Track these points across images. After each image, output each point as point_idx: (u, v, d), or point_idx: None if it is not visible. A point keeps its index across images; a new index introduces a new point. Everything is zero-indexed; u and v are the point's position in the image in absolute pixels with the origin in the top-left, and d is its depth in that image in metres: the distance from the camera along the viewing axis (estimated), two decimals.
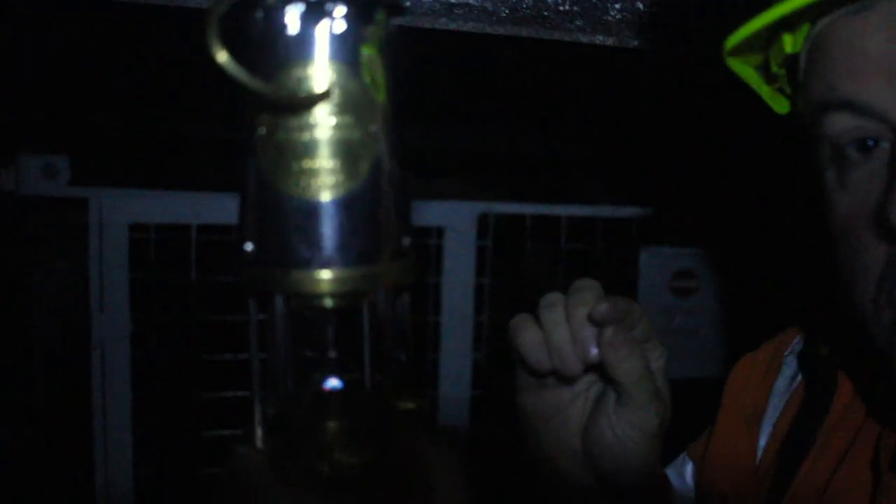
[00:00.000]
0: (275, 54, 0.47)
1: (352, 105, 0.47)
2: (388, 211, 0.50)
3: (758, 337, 1.10)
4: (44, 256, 2.11)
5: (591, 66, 1.28)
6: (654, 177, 2.28)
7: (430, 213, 2.21)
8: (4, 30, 1.33)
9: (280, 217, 0.48)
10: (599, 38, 0.95)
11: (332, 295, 0.49)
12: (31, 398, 2.13)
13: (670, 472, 1.10)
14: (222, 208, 2.07)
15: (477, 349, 2.33)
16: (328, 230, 0.48)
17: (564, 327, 0.85)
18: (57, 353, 2.14)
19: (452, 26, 0.93)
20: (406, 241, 0.51)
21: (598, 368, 0.87)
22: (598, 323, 0.83)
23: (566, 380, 0.89)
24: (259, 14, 0.47)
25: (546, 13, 0.93)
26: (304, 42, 0.47)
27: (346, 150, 0.48)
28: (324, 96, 0.46)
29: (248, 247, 0.50)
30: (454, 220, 2.26)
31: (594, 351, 0.83)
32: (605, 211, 2.30)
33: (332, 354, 0.53)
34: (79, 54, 1.46)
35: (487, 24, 0.94)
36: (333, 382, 0.53)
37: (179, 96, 1.81)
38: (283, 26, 0.46)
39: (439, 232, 2.26)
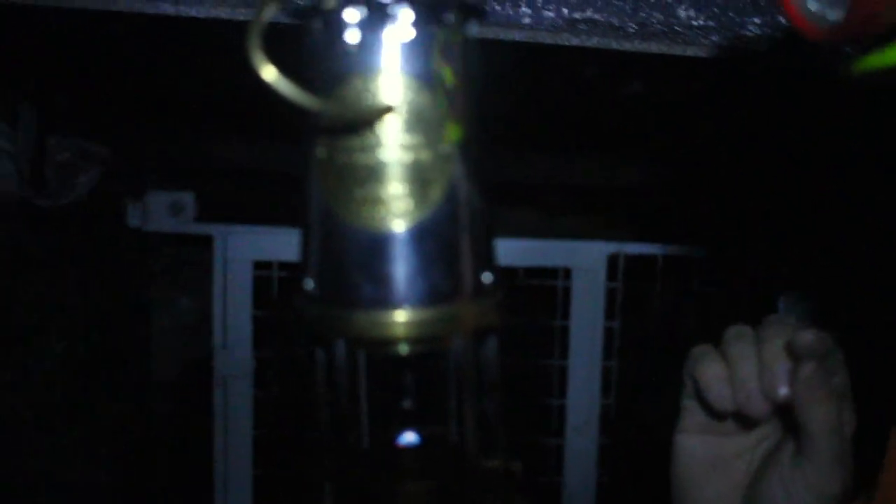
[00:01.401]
0: (332, 67, 0.41)
1: (421, 122, 0.41)
2: (465, 243, 0.43)
3: None
4: (166, 292, 2.12)
5: (728, 86, 1.20)
6: (801, 216, 2.16)
7: (556, 252, 2.14)
8: (138, 66, 1.33)
9: (342, 250, 0.42)
10: (737, 55, 0.87)
11: (401, 340, 0.43)
12: (151, 434, 2.13)
13: None
14: None
15: (605, 395, 2.24)
16: (395, 265, 0.41)
17: (753, 362, 0.74)
18: (177, 390, 2.14)
19: (575, 42, 0.86)
20: (487, 277, 0.45)
21: (778, 419, 0.77)
22: (797, 354, 0.71)
23: (745, 423, 0.78)
24: (314, 21, 0.41)
25: (678, 28, 0.85)
26: (366, 51, 0.41)
27: (416, 174, 0.41)
28: (389, 111, 0.40)
29: (309, 284, 0.44)
30: (582, 260, 2.17)
31: (783, 390, 0.71)
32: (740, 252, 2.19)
33: (408, 405, 0.46)
34: (209, 84, 1.45)
35: (614, 39, 0.86)
36: (410, 437, 0.46)
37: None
38: (342, 34, 0.41)
39: (566, 273, 2.18)
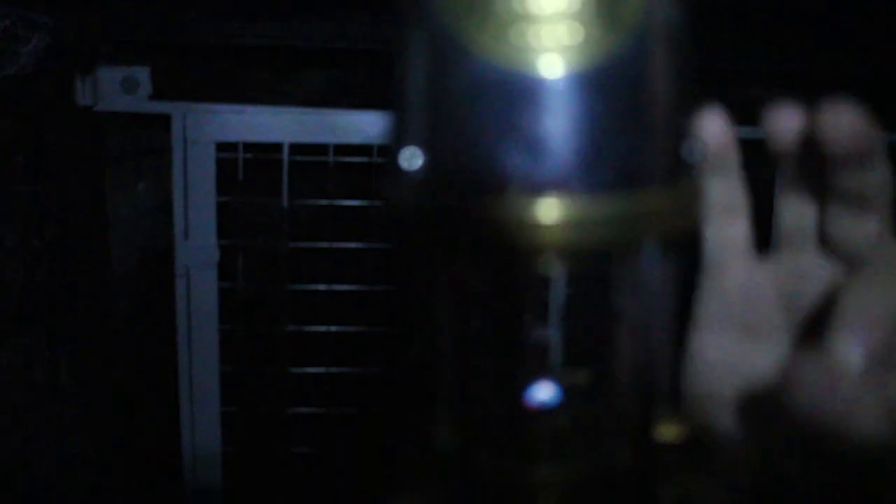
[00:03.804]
0: None
1: None
2: (666, 96, 0.28)
3: None
4: (123, 178, 1.98)
5: None
6: None
7: None
8: None
9: (474, 104, 0.28)
10: None
11: (564, 245, 0.28)
12: (111, 329, 2.01)
13: None
14: (316, 124, 1.88)
15: None
16: (562, 127, 0.27)
17: None
18: (138, 284, 2.01)
19: None
20: (692, 150, 0.30)
21: None
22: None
23: None
24: None
25: None
26: None
27: None
28: None
29: (411, 159, 0.29)
30: None
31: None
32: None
33: (548, 348, 0.32)
34: None
35: None
36: (547, 393, 0.32)
37: None
38: None
39: None
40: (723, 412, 0.56)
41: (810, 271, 0.55)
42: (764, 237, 0.58)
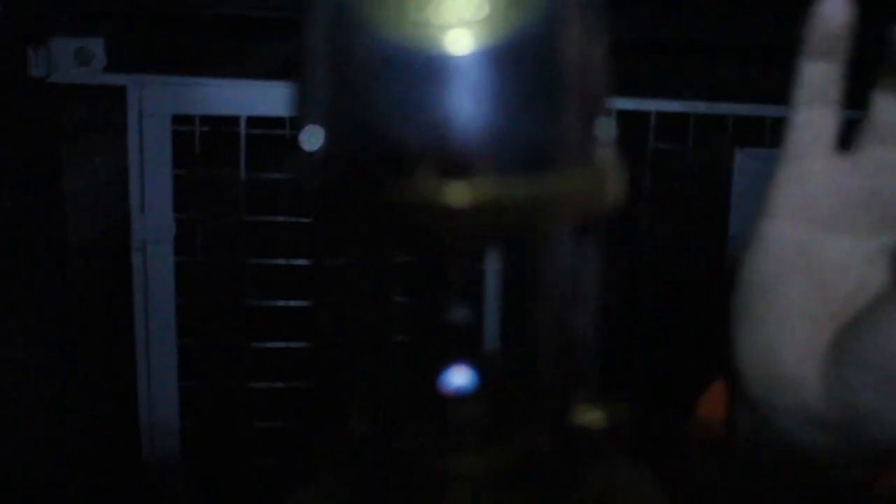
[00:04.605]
0: None
1: None
2: (579, 71, 0.27)
3: None
4: (79, 151, 1.95)
5: None
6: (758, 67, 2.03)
7: None
8: None
9: (376, 82, 0.26)
10: None
11: (475, 229, 0.27)
12: (68, 303, 1.99)
13: None
14: (275, 97, 1.86)
15: None
16: (468, 106, 0.26)
17: None
18: (94, 258, 1.99)
19: None
20: (605, 129, 0.29)
21: None
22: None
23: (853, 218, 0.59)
24: None
25: None
26: None
27: None
28: None
29: (311, 139, 0.28)
30: None
31: None
32: (699, 107, 2.06)
33: (464, 332, 0.31)
34: None
35: None
36: (463, 377, 0.31)
37: None
38: None
39: None
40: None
41: (894, 166, 0.56)
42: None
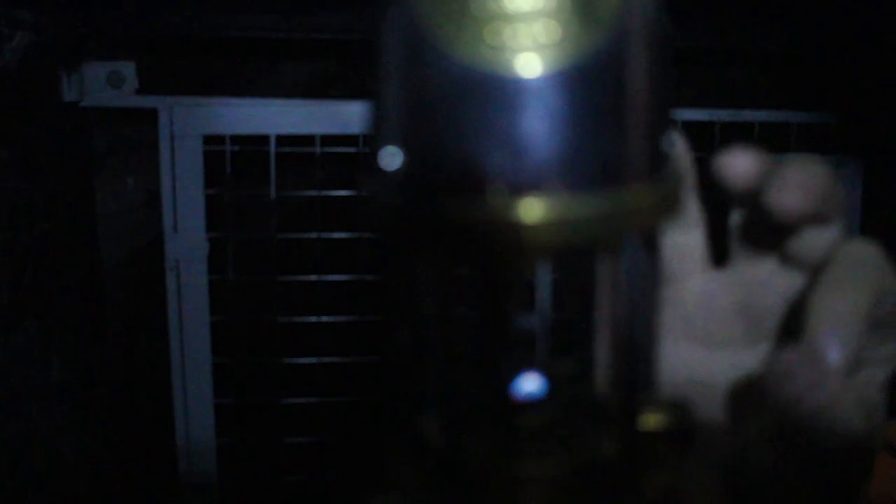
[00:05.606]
0: None
1: None
2: (645, 90, 0.29)
3: None
4: (111, 173, 1.97)
5: None
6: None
7: None
8: None
9: (451, 104, 0.28)
10: None
11: (547, 244, 0.28)
12: (103, 324, 2.01)
13: None
14: (304, 116, 1.88)
15: None
16: (540, 126, 0.27)
17: None
18: (128, 279, 2.01)
19: None
20: (670, 141, 0.30)
21: None
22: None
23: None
24: None
25: None
26: None
27: None
28: None
29: (390, 158, 0.30)
30: None
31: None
32: (723, 115, 2.07)
33: (534, 342, 0.32)
34: None
35: None
36: (533, 385, 0.32)
37: None
38: None
39: None
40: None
41: (767, 280, 0.55)
42: (720, 247, 0.59)
